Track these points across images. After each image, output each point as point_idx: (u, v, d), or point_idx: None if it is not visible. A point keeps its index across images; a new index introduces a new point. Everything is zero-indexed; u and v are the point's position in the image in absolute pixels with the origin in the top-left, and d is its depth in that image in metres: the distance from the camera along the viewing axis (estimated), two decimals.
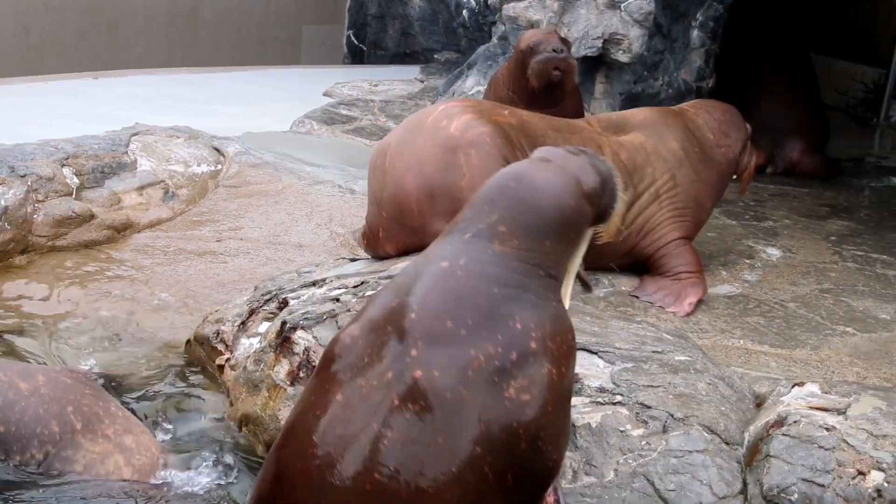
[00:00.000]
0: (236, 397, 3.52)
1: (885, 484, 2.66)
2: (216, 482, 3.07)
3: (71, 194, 5.02)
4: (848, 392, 3.02)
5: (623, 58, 6.60)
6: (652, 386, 3.04)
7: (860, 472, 2.69)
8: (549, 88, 5.09)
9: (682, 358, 3.25)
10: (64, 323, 4.23)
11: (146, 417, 3.45)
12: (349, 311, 3.39)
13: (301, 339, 3.35)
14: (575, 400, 2.75)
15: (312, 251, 4.93)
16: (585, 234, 2.58)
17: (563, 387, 2.41)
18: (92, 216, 4.98)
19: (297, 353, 3.34)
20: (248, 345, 3.64)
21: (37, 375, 3.11)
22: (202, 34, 10.67)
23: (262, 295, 3.86)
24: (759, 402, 3.13)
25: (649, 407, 2.95)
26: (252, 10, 10.98)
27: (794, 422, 2.86)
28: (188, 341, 4.04)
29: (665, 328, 3.68)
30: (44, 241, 4.82)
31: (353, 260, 4.20)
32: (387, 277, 3.59)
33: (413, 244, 3.88)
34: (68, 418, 3.01)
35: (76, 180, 5.10)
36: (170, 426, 3.45)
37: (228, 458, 3.18)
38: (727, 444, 2.89)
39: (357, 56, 10.69)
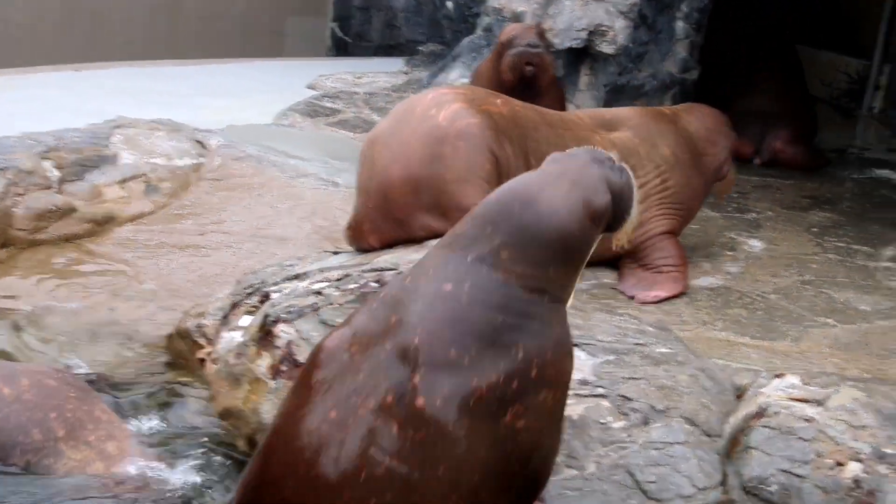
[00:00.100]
0: (218, 391, 3.51)
1: (863, 474, 2.68)
2: (197, 477, 3.06)
3: (52, 188, 4.98)
4: (828, 383, 3.04)
5: (608, 49, 6.59)
6: (633, 378, 3.05)
7: (838, 463, 2.71)
8: (523, 83, 5.01)
9: (664, 350, 3.26)
10: (45, 317, 4.20)
11: (128, 412, 3.43)
12: (331, 304, 3.39)
13: (283, 332, 3.34)
14: None
15: (295, 244, 4.91)
16: (593, 247, 2.53)
17: (557, 410, 2.44)
18: (73, 210, 4.94)
19: (279, 347, 3.33)
20: (230, 338, 3.63)
21: (21, 379, 3.03)
22: (184, 26, 10.58)
23: (245, 288, 3.84)
24: (740, 393, 3.15)
25: (630, 399, 2.96)
26: (235, 1, 10.90)
27: (774, 413, 2.88)
28: (170, 335, 4.02)
29: (647, 320, 3.69)
30: (24, 235, 4.79)
31: (335, 253, 4.18)
32: (370, 270, 3.58)
33: (398, 236, 3.86)
34: (51, 425, 2.95)
35: (57, 173, 5.05)
36: (151, 421, 3.43)
37: (209, 453, 3.17)
38: (708, 435, 2.91)
39: (341, 48, 10.64)
